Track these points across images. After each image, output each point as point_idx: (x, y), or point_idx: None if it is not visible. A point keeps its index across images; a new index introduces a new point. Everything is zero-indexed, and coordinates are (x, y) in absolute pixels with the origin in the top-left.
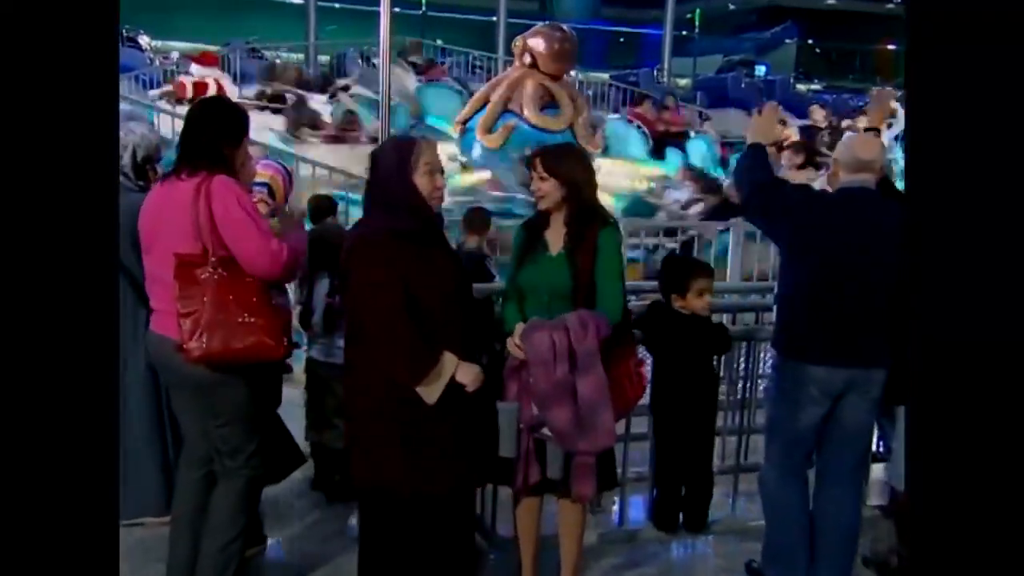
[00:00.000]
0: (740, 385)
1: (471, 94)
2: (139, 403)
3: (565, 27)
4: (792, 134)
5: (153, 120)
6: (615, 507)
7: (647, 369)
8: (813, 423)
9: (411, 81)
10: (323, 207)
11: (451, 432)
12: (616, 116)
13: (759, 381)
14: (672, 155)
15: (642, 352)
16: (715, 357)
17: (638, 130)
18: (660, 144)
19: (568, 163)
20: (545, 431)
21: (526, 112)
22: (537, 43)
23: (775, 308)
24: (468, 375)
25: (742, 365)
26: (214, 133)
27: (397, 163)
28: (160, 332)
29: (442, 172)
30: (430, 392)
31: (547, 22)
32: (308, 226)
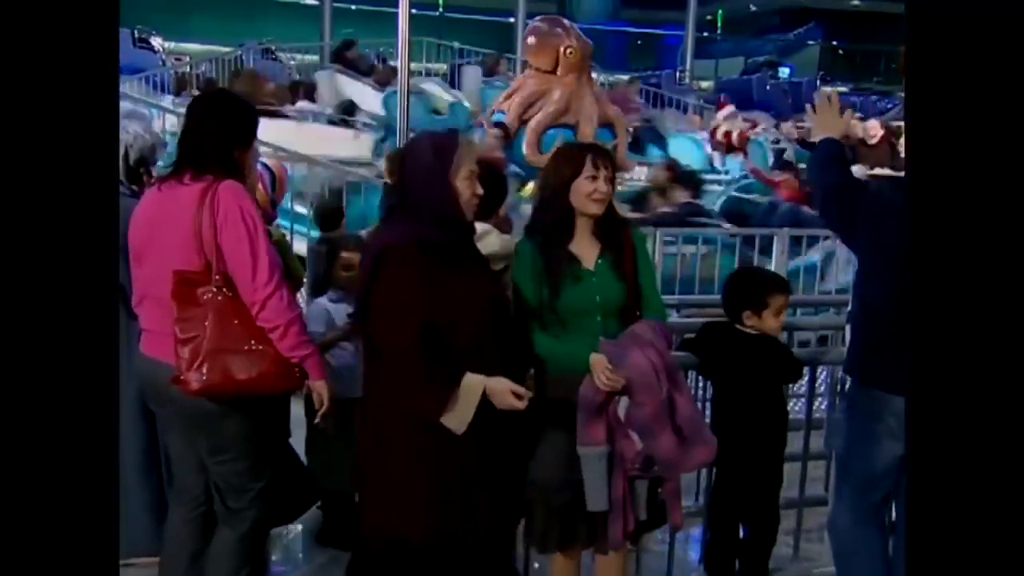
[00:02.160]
0: (801, 405)
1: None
2: (129, 430)
3: (545, 20)
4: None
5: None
6: (658, 548)
7: None
8: (892, 461)
9: (346, 87)
10: (330, 212)
11: (486, 471)
12: None
13: (817, 399)
14: (652, 151)
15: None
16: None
17: (696, 142)
18: (636, 139)
19: None
20: (655, 468)
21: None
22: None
23: (847, 327)
24: (503, 393)
25: (803, 385)
26: (224, 132)
27: (437, 165)
28: (152, 356)
29: (479, 177)
30: (455, 419)
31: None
32: (315, 233)
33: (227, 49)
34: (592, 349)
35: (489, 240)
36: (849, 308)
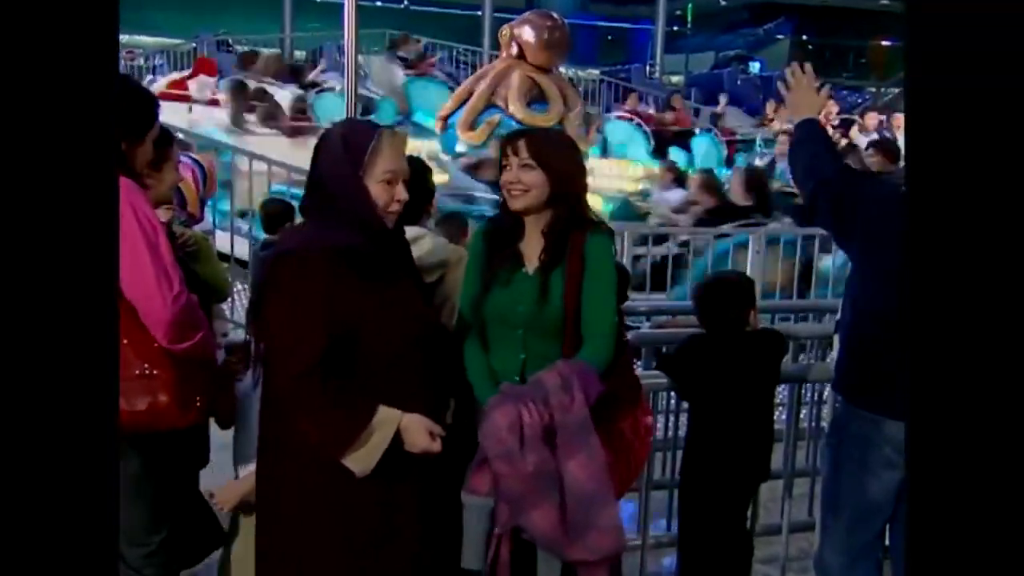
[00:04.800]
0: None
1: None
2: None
3: (555, 15)
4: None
5: None
6: None
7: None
8: (887, 493)
9: (398, 75)
10: (277, 213)
11: (413, 522)
12: (616, 114)
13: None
14: (676, 155)
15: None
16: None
17: (638, 129)
18: (662, 144)
19: (560, 152)
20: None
21: (511, 107)
22: (525, 32)
23: (836, 339)
24: (417, 433)
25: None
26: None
27: (347, 163)
28: None
29: (406, 180)
30: (360, 460)
31: (536, 10)
32: (261, 234)
33: (179, 41)
34: (510, 373)
35: (421, 245)
36: (839, 316)
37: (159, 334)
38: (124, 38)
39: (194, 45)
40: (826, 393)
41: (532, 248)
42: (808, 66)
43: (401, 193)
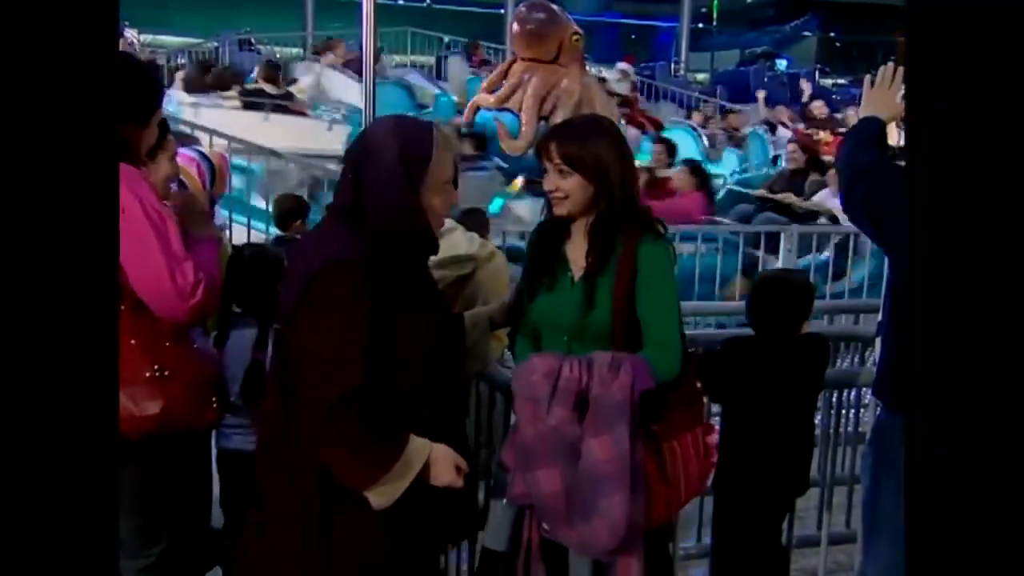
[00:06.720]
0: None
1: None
2: None
3: (540, 4)
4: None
5: None
6: None
7: (715, 437)
8: None
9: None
10: (290, 209)
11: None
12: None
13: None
14: (729, 156)
15: None
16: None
17: (692, 133)
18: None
19: (596, 147)
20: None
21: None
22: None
23: (878, 341)
24: (444, 467)
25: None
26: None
27: (404, 178)
28: None
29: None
30: (386, 493)
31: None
32: (273, 232)
33: (198, 40)
34: None
35: (453, 239)
36: (880, 317)
37: (175, 307)
38: (147, 37)
39: (216, 45)
40: (865, 396)
41: (578, 250)
42: (900, 71)
43: (455, 195)
